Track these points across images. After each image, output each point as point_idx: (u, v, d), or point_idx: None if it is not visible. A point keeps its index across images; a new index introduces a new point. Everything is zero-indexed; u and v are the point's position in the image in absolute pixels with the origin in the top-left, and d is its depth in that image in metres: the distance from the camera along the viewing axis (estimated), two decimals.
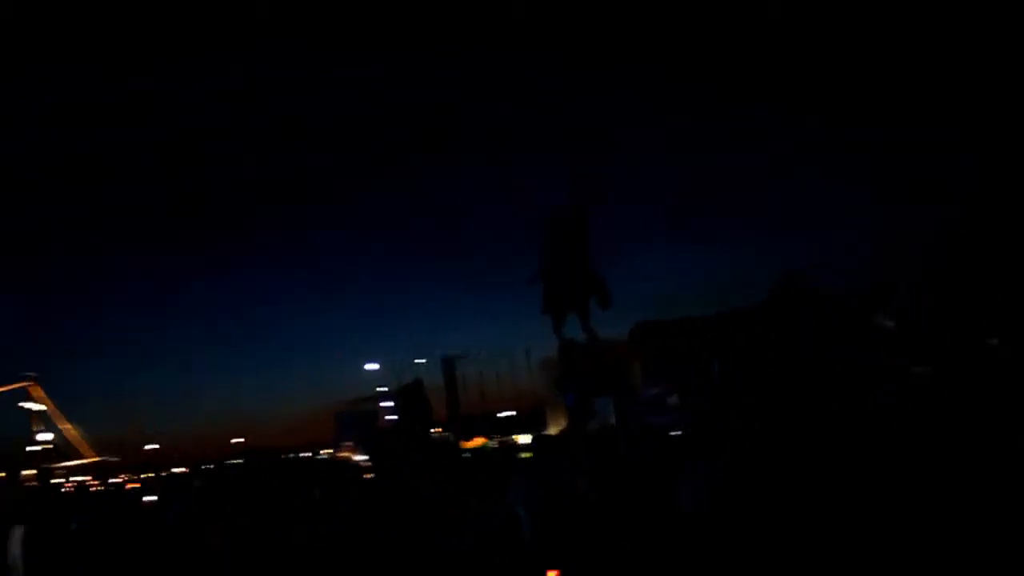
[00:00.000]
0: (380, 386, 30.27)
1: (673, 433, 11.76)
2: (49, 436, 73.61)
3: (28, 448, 70.72)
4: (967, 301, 19.14)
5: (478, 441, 26.20)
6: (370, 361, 32.27)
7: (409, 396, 25.75)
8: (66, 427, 76.22)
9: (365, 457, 28.60)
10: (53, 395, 75.46)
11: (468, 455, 21.11)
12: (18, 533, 9.31)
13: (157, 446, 68.36)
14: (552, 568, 6.90)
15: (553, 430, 20.16)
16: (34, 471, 65.15)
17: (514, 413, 30.22)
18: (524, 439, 23.58)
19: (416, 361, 28.17)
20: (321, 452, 35.44)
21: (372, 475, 17.31)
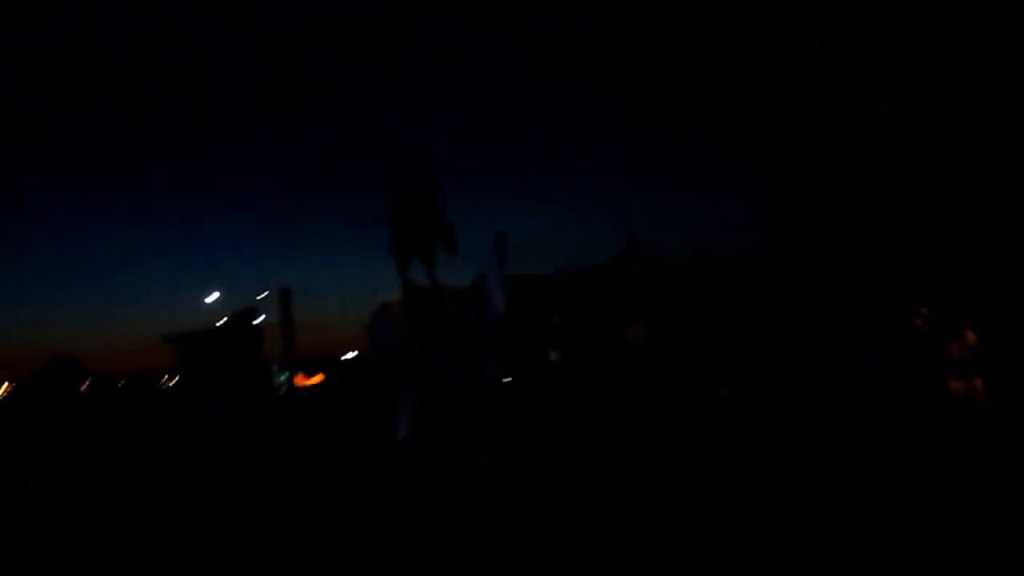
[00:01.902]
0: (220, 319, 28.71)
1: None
2: None
3: None
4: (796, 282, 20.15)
5: (319, 378, 25.83)
6: (210, 294, 30.53)
7: (238, 325, 23.35)
8: None
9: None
10: None
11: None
12: None
13: None
14: None
15: None
16: None
17: (356, 354, 29.83)
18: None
19: (259, 297, 26.94)
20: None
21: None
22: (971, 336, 9.69)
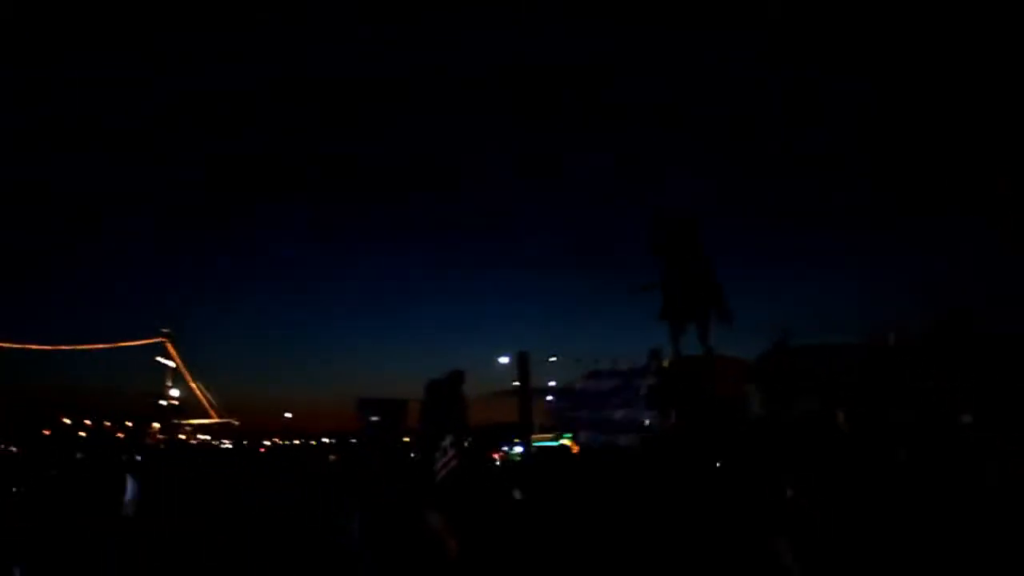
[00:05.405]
0: (514, 381, 26.91)
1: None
2: (176, 393, 78.16)
3: (159, 402, 75.45)
4: None
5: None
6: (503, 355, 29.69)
7: (438, 391, 20.57)
8: (193, 386, 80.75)
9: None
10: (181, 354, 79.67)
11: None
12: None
13: (289, 415, 73.17)
14: None
15: None
16: (161, 425, 70.25)
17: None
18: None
19: (550, 360, 25.82)
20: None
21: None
22: None
